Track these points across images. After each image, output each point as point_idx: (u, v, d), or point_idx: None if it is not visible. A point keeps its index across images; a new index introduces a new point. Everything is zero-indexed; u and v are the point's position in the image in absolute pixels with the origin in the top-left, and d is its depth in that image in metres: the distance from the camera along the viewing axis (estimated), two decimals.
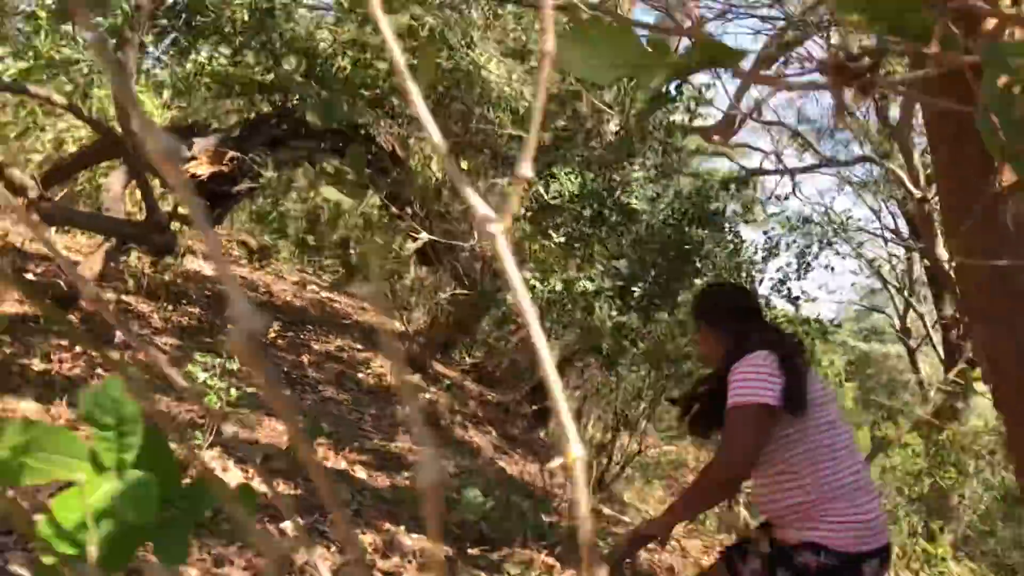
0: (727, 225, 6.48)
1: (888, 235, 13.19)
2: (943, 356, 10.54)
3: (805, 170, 10.95)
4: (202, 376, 3.98)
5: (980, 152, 3.18)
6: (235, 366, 4.09)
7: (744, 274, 6.47)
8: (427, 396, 6.95)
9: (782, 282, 6.42)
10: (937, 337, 11.51)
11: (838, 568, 2.35)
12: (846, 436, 2.53)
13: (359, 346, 7.87)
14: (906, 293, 13.02)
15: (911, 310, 13.23)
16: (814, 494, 2.41)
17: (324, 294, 9.80)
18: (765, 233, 6.38)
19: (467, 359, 9.11)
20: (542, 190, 6.18)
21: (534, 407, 7.82)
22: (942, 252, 4.61)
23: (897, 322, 13.94)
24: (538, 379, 7.15)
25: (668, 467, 8.87)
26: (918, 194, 4.53)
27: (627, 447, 6.91)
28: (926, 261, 9.09)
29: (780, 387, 2.38)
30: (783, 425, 2.44)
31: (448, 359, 8.78)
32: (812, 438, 2.45)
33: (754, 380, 2.38)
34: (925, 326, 12.53)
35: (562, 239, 6.57)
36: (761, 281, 6.36)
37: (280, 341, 7.00)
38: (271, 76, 6.02)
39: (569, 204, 6.57)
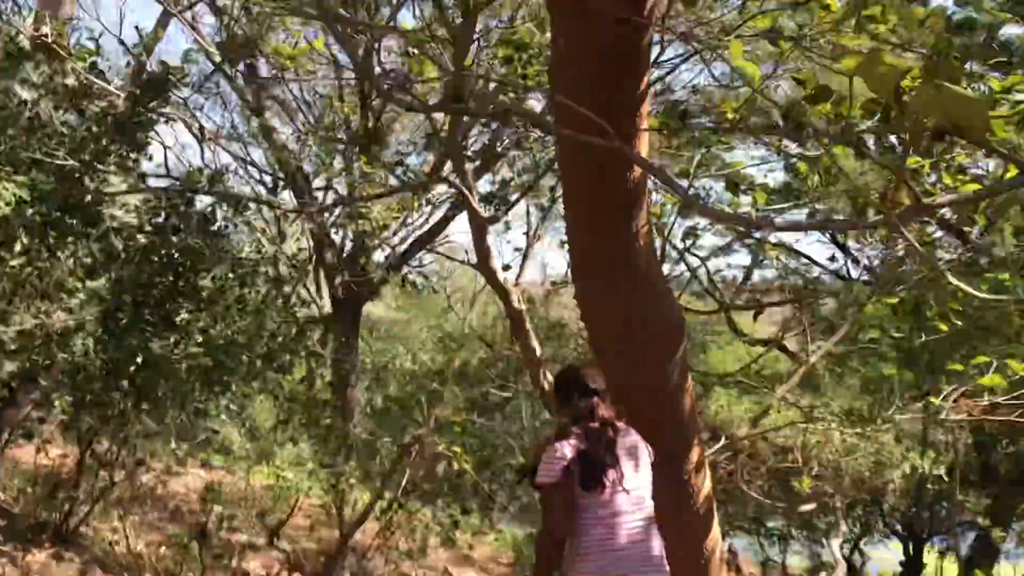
0: (225, 231, 5.83)
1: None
2: None
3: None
4: None
5: (621, 193, 3.41)
6: None
7: (245, 283, 5.92)
8: None
9: None
10: None
11: None
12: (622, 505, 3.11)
13: None
14: None
15: None
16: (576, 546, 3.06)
17: None
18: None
19: None
20: None
21: None
22: (498, 268, 4.85)
23: None
24: None
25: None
26: (485, 213, 4.69)
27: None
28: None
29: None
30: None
31: None
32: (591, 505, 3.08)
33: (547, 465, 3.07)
34: None
35: (18, 260, 5.20)
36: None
37: None
38: None
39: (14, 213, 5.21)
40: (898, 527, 16.98)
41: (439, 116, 5.28)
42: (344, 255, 13.80)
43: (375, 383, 14.21)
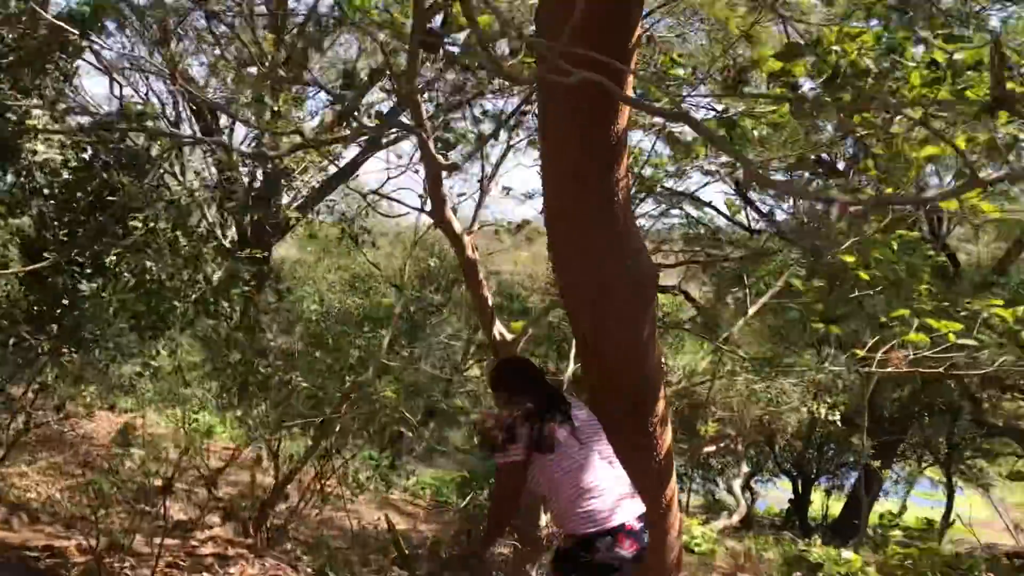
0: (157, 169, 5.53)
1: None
2: None
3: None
4: None
5: (607, 144, 3.40)
6: None
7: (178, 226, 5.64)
8: None
9: None
10: None
11: (576, 546, 3.28)
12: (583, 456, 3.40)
13: None
14: None
15: None
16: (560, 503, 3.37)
17: None
18: None
19: None
20: None
21: None
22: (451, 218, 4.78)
23: None
24: None
25: None
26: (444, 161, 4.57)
27: None
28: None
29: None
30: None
31: None
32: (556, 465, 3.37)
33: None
34: None
35: None
36: None
37: None
38: None
39: None
40: (788, 466, 17.93)
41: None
42: (253, 194, 13.39)
43: (289, 325, 13.92)
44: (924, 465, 19.77)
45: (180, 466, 7.98)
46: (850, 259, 5.33)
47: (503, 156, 5.34)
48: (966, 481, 20.56)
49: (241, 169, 13.04)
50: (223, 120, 14.06)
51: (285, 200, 13.65)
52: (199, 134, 12.82)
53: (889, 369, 5.39)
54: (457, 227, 4.95)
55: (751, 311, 5.71)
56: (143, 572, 4.65)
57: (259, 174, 13.86)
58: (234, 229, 13.76)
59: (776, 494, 19.15)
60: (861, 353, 5.70)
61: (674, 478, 4.15)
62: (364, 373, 6.32)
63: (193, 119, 13.91)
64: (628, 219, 3.66)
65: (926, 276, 6.05)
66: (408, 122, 4.68)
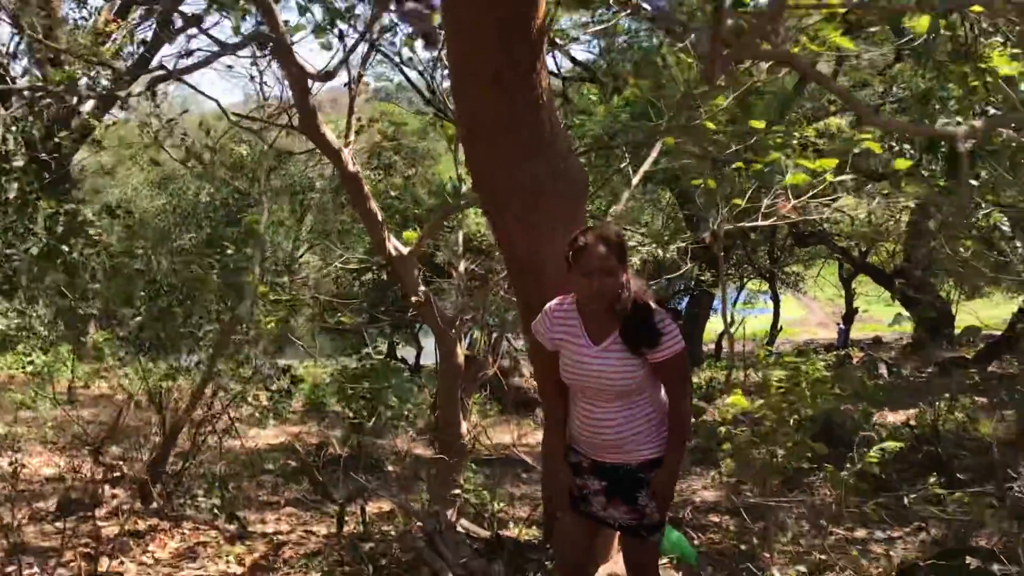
0: None
1: None
2: None
3: None
4: None
5: (528, 46, 3.06)
6: None
7: None
8: None
9: None
10: None
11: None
12: None
13: None
14: None
15: None
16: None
17: None
18: None
19: None
20: None
21: None
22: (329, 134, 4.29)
23: None
24: None
25: None
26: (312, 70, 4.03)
27: None
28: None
29: None
30: None
31: None
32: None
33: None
34: None
35: None
36: None
37: None
38: None
39: None
40: None
41: None
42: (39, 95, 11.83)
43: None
44: (747, 280, 21.21)
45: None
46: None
47: (367, 56, 4.83)
48: (786, 288, 22.40)
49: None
50: None
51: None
52: None
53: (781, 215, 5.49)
54: (334, 141, 4.48)
55: (635, 180, 5.62)
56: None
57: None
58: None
59: None
60: (741, 203, 5.76)
61: None
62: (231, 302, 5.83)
63: None
64: (555, 121, 3.38)
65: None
66: (266, 32, 4.08)
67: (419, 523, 4.08)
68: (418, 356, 22.38)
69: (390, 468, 8.63)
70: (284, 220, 16.56)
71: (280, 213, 16.46)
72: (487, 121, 3.31)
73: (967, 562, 3.64)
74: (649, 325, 2.69)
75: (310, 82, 4.28)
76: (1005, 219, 8.50)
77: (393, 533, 4.66)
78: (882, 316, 32.75)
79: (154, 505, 5.04)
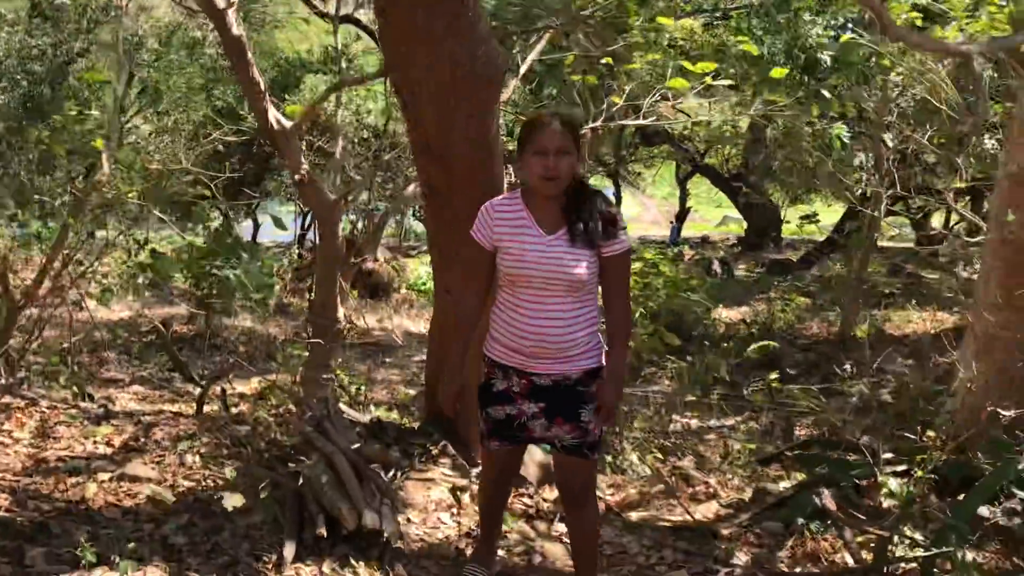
0: None
1: None
2: None
3: None
4: None
5: None
6: None
7: None
8: None
9: None
10: None
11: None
12: None
13: None
14: None
15: None
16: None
17: None
18: None
19: None
20: None
21: None
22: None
23: None
24: None
25: None
26: None
27: None
28: None
29: None
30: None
31: None
32: None
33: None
34: None
35: None
36: None
37: None
38: None
39: None
40: None
41: None
42: None
43: None
44: (591, 175, 21.66)
45: None
46: None
47: None
48: (627, 185, 23.09)
49: None
50: None
51: None
52: None
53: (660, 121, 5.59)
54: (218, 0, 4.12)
55: (522, 69, 5.52)
56: None
57: None
58: None
59: None
60: (619, 101, 5.81)
61: None
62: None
63: None
64: (474, 3, 3.24)
65: None
66: None
67: (305, 407, 4.01)
68: (255, 233, 21.63)
69: (242, 348, 8.41)
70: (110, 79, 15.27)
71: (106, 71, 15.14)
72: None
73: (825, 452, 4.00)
74: (605, 216, 2.57)
75: None
76: (846, 129, 9.04)
77: (268, 417, 4.56)
78: (711, 217, 34.60)
79: (2, 381, 4.70)
